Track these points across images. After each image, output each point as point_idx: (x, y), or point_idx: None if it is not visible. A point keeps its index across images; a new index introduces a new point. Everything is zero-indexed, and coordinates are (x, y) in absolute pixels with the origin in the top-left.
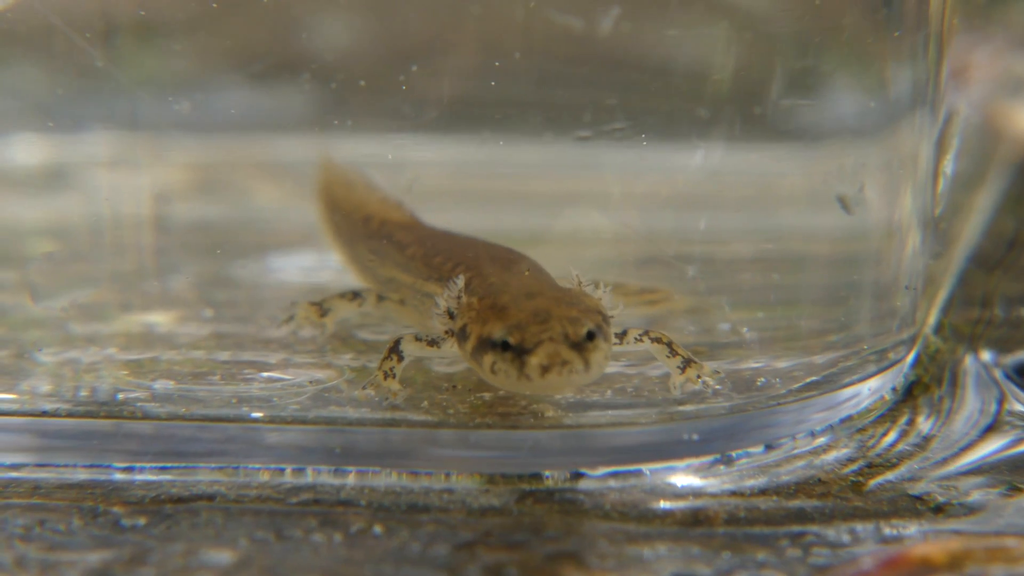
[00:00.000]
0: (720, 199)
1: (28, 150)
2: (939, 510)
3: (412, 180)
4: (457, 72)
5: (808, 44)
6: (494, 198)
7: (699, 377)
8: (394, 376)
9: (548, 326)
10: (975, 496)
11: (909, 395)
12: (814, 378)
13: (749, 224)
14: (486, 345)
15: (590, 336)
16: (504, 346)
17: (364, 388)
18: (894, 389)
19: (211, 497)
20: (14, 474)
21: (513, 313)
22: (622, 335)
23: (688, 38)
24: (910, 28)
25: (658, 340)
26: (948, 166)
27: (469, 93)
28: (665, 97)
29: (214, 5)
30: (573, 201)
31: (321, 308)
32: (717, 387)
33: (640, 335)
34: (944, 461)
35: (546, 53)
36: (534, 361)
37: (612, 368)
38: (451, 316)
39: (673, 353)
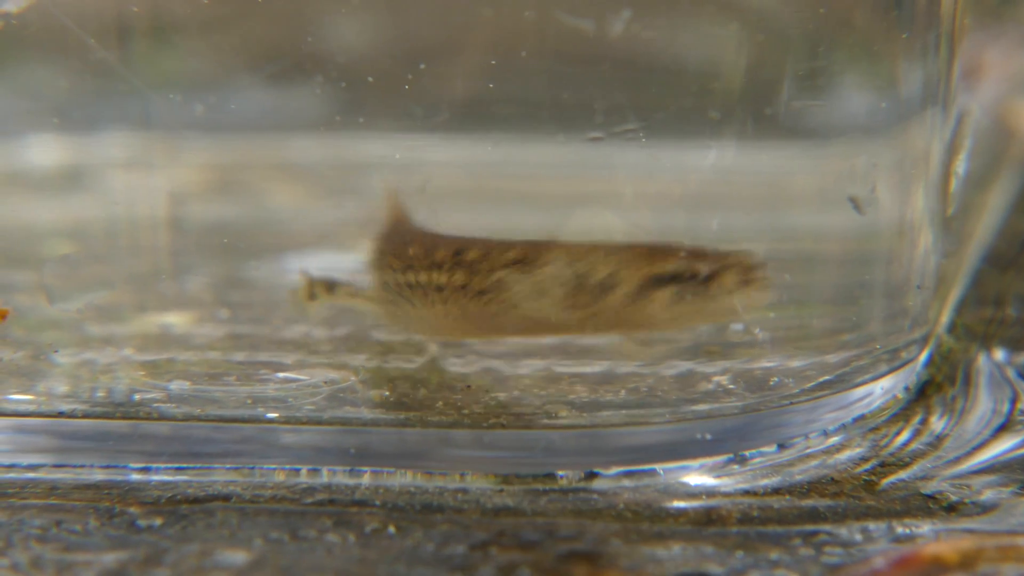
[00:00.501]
0: (732, 199)
1: (44, 151)
2: (952, 509)
3: (425, 180)
4: (469, 73)
5: (819, 44)
6: (506, 198)
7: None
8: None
9: (724, 255)
10: (988, 495)
11: (922, 394)
12: (827, 377)
13: (761, 224)
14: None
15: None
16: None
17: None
18: (907, 388)
19: (227, 497)
20: (31, 475)
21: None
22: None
23: (699, 39)
24: (921, 28)
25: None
26: (960, 165)
27: (481, 94)
28: (676, 98)
29: (205, 2)
30: (585, 201)
31: (327, 284)
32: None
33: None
34: (957, 460)
35: (558, 54)
36: (728, 279)
37: (625, 368)
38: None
39: None
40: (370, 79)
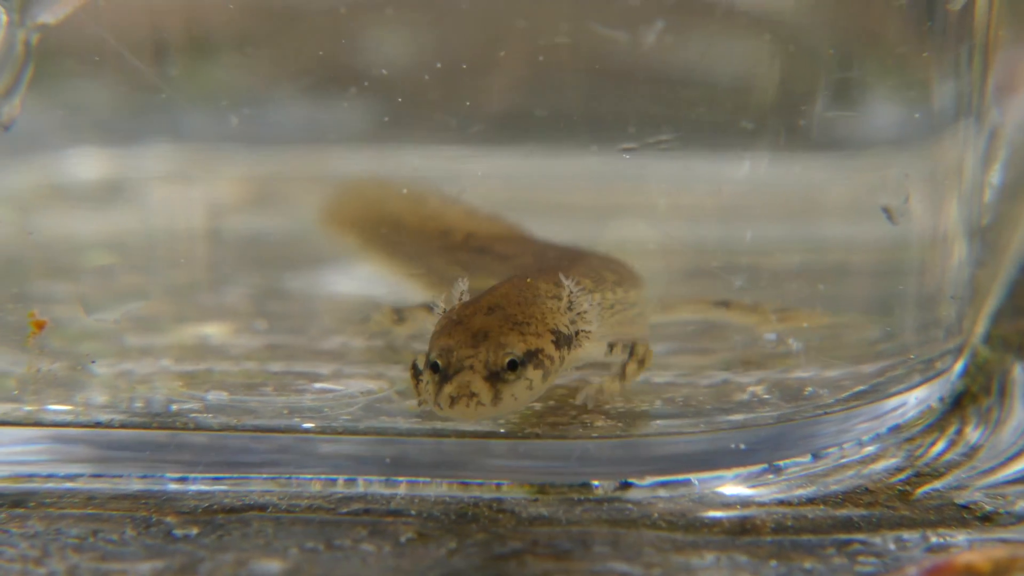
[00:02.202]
0: (765, 210)
1: (85, 164)
2: (986, 519)
3: (460, 191)
4: (504, 85)
5: (851, 56)
6: (541, 209)
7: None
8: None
9: (474, 352)
10: (1021, 505)
11: (958, 405)
12: (861, 387)
13: (794, 235)
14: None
15: (512, 366)
16: (435, 367)
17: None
18: (941, 399)
19: (263, 507)
20: (69, 484)
21: (447, 335)
22: (612, 346)
23: (732, 51)
24: (953, 40)
25: (632, 354)
26: (995, 176)
27: (516, 106)
28: (710, 109)
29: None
30: (619, 213)
31: (399, 315)
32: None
33: (624, 348)
34: (992, 470)
35: (591, 66)
36: (447, 390)
37: (661, 378)
38: None
39: (623, 372)
40: (406, 91)
